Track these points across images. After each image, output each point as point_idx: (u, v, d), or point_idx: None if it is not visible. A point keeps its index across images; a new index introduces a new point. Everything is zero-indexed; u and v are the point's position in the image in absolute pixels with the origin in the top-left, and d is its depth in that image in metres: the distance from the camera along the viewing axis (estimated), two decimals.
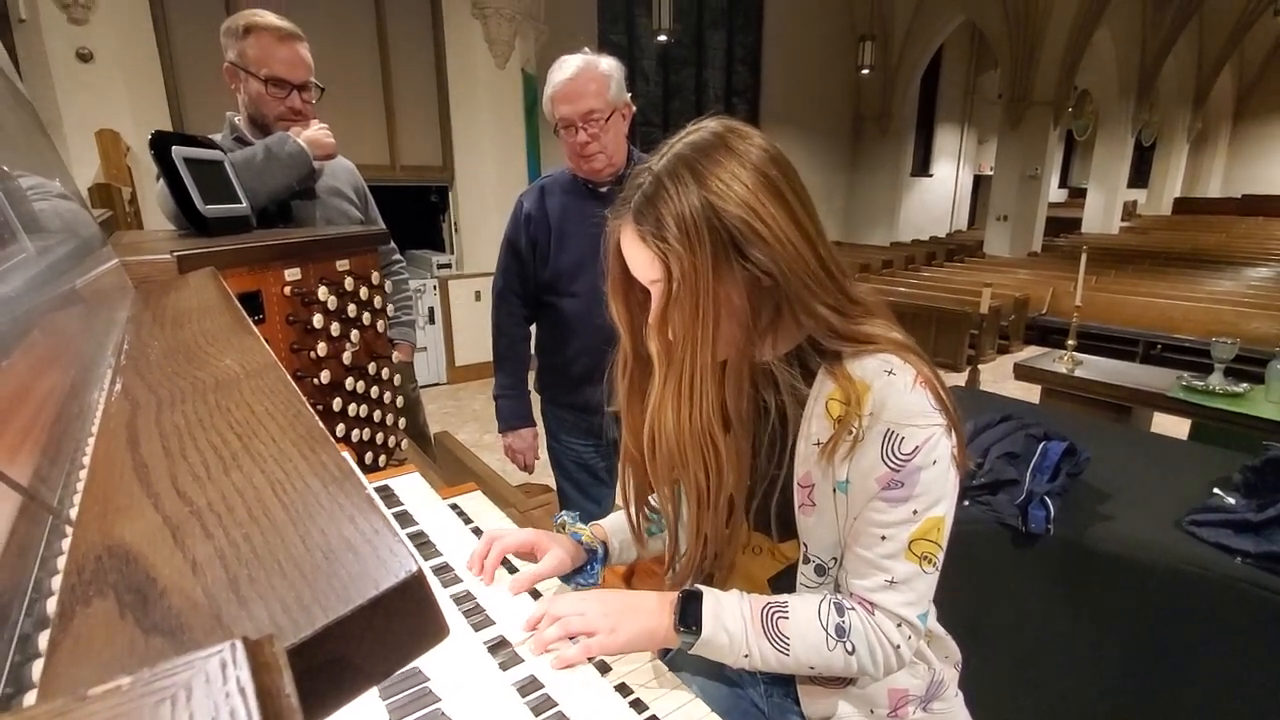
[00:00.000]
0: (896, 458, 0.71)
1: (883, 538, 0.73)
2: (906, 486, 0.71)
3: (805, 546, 0.79)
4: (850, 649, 0.75)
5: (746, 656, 0.76)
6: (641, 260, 0.75)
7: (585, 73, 1.52)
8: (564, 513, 1.01)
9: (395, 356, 1.83)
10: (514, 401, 1.83)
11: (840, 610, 0.76)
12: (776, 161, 0.74)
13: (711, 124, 0.75)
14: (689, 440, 0.77)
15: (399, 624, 0.23)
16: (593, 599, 0.80)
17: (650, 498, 0.96)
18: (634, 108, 1.64)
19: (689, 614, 0.77)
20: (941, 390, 0.74)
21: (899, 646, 0.75)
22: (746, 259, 0.71)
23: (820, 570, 0.79)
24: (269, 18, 1.57)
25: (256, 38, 1.55)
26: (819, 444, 0.74)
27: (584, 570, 0.95)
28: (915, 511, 0.72)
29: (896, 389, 0.71)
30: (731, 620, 0.76)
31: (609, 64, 1.56)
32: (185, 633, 0.21)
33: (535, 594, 0.89)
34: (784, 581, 0.84)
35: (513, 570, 0.94)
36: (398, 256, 2.07)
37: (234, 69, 1.59)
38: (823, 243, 0.75)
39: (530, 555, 0.93)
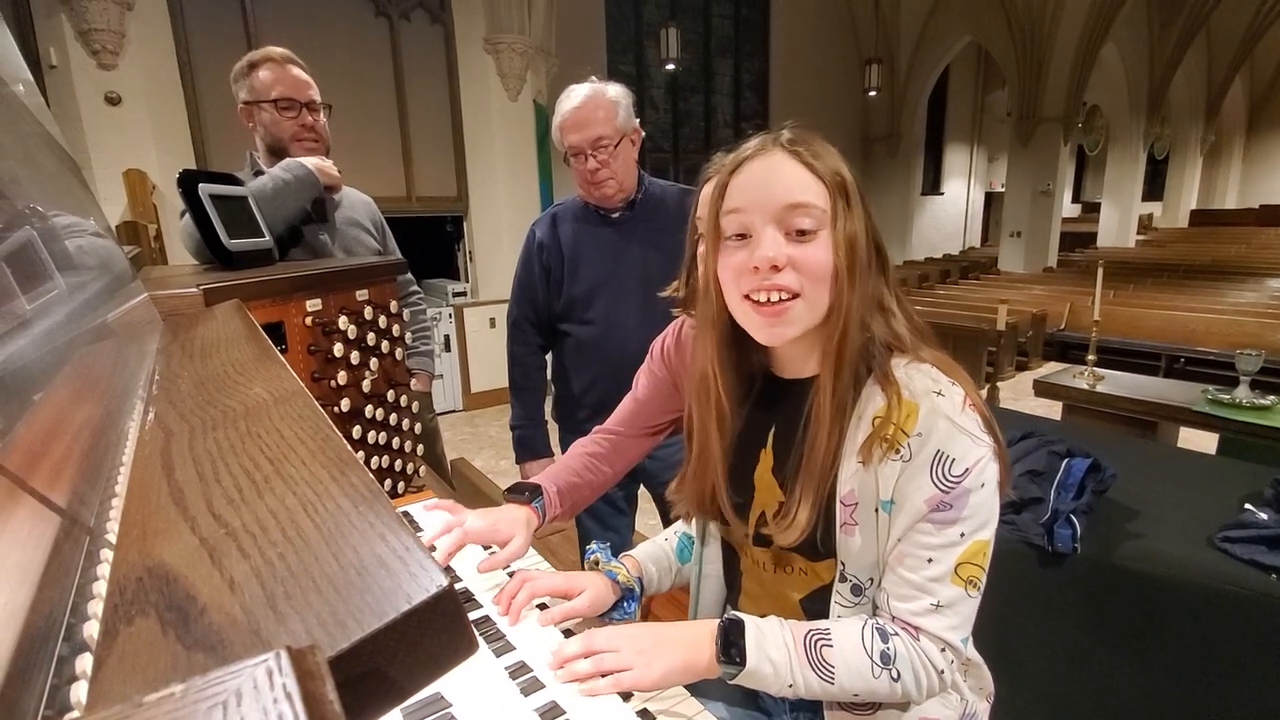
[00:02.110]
0: (947, 480, 0.70)
1: (929, 560, 0.72)
2: (955, 509, 0.70)
3: (842, 565, 0.77)
4: (895, 675, 0.73)
5: (790, 686, 0.74)
6: (798, 182, 0.74)
7: (592, 100, 1.54)
8: (595, 546, 0.98)
9: (414, 385, 1.85)
10: (530, 432, 1.82)
11: (884, 636, 0.74)
12: None
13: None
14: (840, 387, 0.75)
15: (431, 638, 0.23)
16: (625, 634, 0.78)
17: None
18: (643, 133, 1.66)
19: (731, 644, 0.74)
20: (988, 413, 0.74)
21: (943, 671, 0.74)
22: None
23: (857, 590, 0.77)
24: (268, 49, 1.66)
25: (260, 69, 1.64)
26: (863, 462, 0.73)
27: (619, 606, 0.93)
28: (962, 534, 0.71)
29: (945, 411, 0.71)
30: (775, 649, 0.74)
31: (616, 91, 1.58)
32: (226, 648, 0.21)
33: (567, 634, 0.87)
34: (816, 601, 0.82)
35: (543, 608, 0.92)
36: (415, 287, 2.09)
37: (247, 107, 1.67)
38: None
39: (564, 596, 0.91)
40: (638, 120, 1.64)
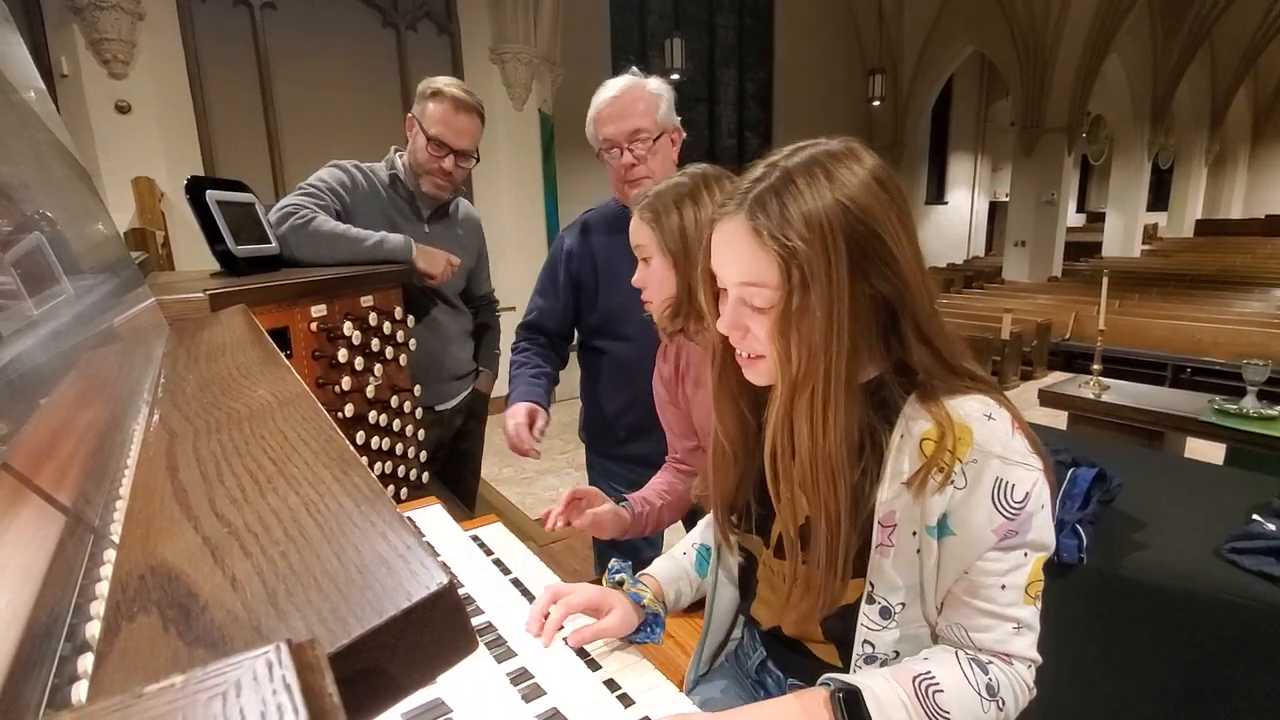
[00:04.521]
0: (1011, 507, 0.68)
1: (1003, 587, 0.71)
2: (1021, 534, 0.69)
3: (871, 586, 0.74)
4: (1001, 705, 0.72)
5: None
6: (746, 258, 0.69)
7: (632, 91, 1.45)
8: (618, 565, 0.96)
9: (479, 385, 2.07)
10: (526, 384, 1.61)
11: (983, 668, 0.72)
12: (896, 181, 0.72)
13: (837, 140, 0.73)
14: (821, 462, 0.70)
15: (430, 635, 0.23)
16: (728, 716, 0.71)
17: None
18: (684, 133, 1.54)
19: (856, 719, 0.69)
20: (1033, 434, 0.72)
21: (1031, 686, 0.74)
22: (870, 275, 0.68)
23: (885, 613, 0.75)
24: (455, 89, 1.73)
25: (438, 102, 1.71)
26: (907, 482, 0.70)
27: (643, 630, 0.91)
28: (1026, 554, 0.70)
29: (999, 436, 0.68)
30: (895, 711, 0.69)
31: (658, 84, 1.48)
32: (226, 644, 0.22)
33: (582, 653, 0.86)
34: (836, 618, 0.79)
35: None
36: (497, 297, 2.24)
37: (413, 120, 1.75)
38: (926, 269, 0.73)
39: (594, 613, 0.89)
40: (678, 119, 1.51)
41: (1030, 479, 0.68)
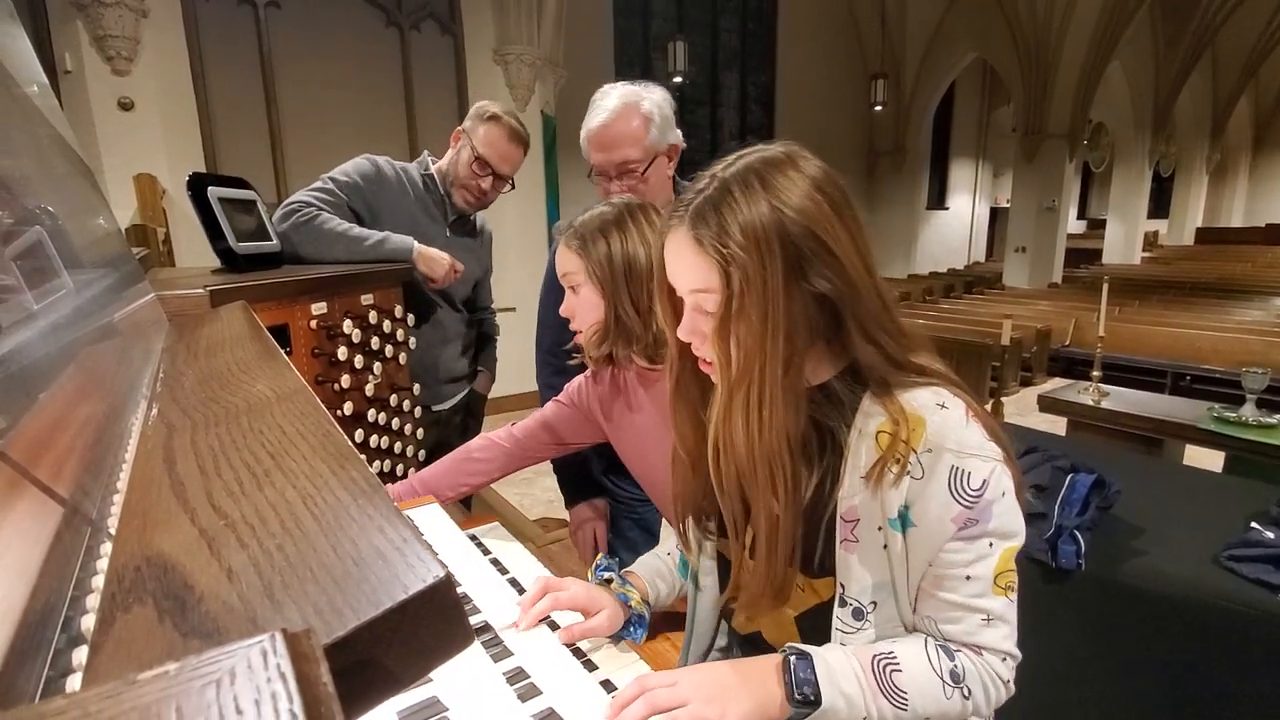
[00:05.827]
0: (968, 495, 0.68)
1: (967, 578, 0.70)
2: (982, 522, 0.69)
3: (842, 587, 0.74)
4: (967, 693, 0.71)
5: (865, 719, 0.70)
6: (691, 266, 0.72)
7: (623, 116, 1.37)
8: (604, 562, 0.95)
9: (477, 385, 2.12)
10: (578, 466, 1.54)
11: (950, 654, 0.72)
12: (838, 184, 0.73)
13: (778, 145, 0.74)
14: (759, 458, 0.72)
15: (426, 628, 0.23)
16: (689, 682, 0.71)
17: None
18: (683, 144, 1.48)
19: (803, 682, 0.69)
20: (992, 421, 0.73)
21: (1007, 681, 0.73)
22: (809, 276, 0.69)
23: (858, 614, 0.74)
24: (512, 120, 1.79)
25: (494, 126, 1.76)
26: (865, 475, 0.71)
27: (627, 628, 0.91)
28: (991, 544, 0.70)
29: (951, 424, 0.69)
30: (847, 682, 0.69)
31: (652, 102, 1.39)
32: (222, 635, 0.22)
33: (578, 653, 0.86)
34: (812, 620, 0.80)
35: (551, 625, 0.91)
36: (494, 307, 2.30)
37: (460, 134, 1.80)
38: (876, 268, 0.74)
39: (583, 611, 0.90)
40: (677, 133, 1.45)
41: (987, 468, 0.69)
